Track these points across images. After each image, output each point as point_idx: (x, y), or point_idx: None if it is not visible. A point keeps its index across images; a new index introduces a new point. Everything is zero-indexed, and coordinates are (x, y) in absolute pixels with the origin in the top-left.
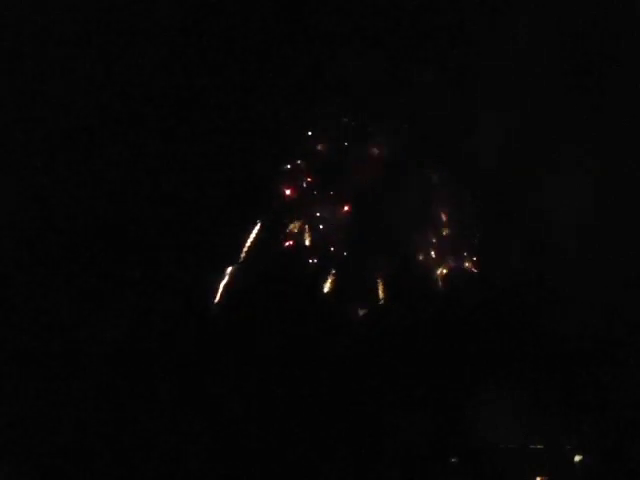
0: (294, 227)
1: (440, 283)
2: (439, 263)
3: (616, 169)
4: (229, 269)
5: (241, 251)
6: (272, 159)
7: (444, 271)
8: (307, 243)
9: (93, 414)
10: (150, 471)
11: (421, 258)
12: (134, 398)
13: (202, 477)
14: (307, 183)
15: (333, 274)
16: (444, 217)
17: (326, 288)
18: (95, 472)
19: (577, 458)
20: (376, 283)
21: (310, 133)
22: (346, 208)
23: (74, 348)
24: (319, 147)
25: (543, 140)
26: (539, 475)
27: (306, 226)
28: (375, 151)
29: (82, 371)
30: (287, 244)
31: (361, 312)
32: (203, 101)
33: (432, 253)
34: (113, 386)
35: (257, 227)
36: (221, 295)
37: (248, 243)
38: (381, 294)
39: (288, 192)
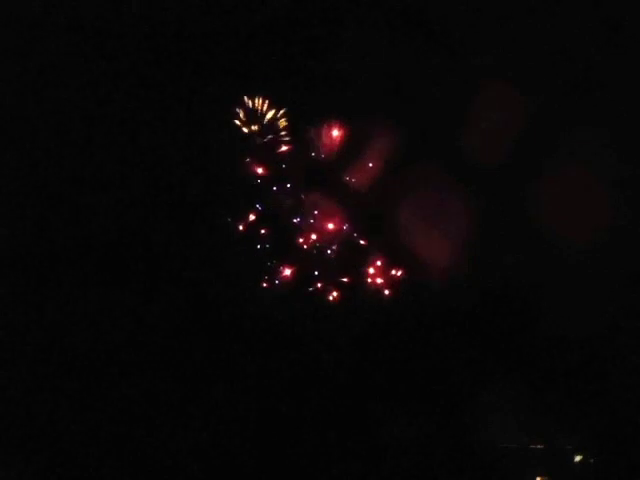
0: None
1: (439, 283)
2: (438, 263)
3: (616, 170)
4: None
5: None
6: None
7: (442, 270)
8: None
9: (94, 414)
10: (151, 471)
11: (420, 258)
12: (134, 399)
13: (202, 477)
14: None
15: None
16: (441, 218)
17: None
18: (95, 472)
19: (577, 458)
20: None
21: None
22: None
23: (74, 348)
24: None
25: (541, 141)
26: (539, 475)
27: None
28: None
29: (82, 371)
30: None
31: (360, 312)
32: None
33: (431, 253)
34: (113, 386)
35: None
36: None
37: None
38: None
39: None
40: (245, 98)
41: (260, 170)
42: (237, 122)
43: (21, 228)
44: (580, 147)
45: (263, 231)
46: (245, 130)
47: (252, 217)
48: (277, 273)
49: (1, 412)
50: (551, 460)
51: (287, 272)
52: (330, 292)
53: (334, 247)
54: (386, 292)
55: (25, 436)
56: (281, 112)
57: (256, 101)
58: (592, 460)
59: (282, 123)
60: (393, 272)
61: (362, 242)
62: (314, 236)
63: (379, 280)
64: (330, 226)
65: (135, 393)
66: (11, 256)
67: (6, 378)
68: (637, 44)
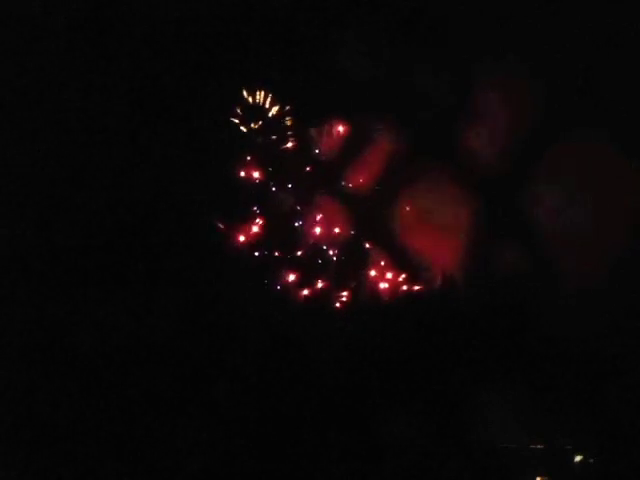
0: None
1: (439, 284)
2: (438, 263)
3: (617, 170)
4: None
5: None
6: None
7: (443, 271)
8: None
9: (94, 414)
10: (151, 471)
11: (421, 259)
12: (134, 398)
13: (202, 477)
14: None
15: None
16: (442, 218)
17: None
18: (95, 472)
19: (577, 458)
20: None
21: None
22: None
23: (75, 347)
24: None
25: (542, 142)
26: (539, 475)
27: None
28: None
29: (82, 371)
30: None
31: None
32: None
33: (432, 253)
34: (113, 386)
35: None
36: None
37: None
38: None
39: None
40: (245, 94)
41: (260, 170)
42: (236, 120)
43: (21, 228)
44: (581, 147)
45: (263, 233)
46: (244, 128)
47: (252, 218)
48: (278, 275)
49: (1, 412)
50: (551, 460)
51: (288, 273)
52: (331, 294)
53: (336, 250)
54: (386, 293)
55: (25, 436)
56: (285, 110)
57: (257, 97)
58: (592, 460)
59: (287, 122)
60: (394, 274)
61: (367, 245)
62: (315, 237)
63: (380, 282)
64: (331, 228)
65: (135, 393)
66: (11, 256)
67: (6, 378)
68: (637, 44)
